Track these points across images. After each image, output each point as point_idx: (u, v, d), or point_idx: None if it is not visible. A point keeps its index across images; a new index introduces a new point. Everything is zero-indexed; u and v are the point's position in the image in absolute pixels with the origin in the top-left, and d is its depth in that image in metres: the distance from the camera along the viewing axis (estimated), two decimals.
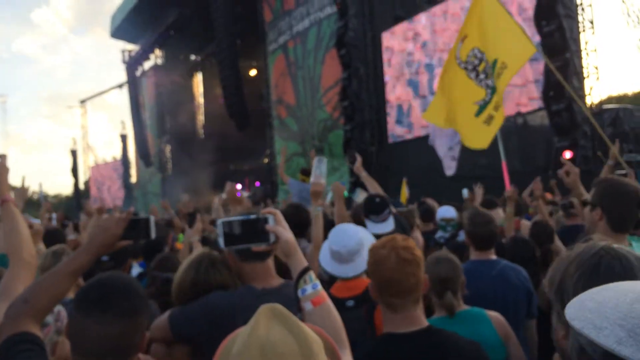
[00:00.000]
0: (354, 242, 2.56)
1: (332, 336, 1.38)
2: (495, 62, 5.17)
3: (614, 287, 0.85)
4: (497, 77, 5.18)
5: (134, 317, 1.45)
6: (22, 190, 2.93)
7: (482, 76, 5.46)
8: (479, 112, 5.59)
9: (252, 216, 1.57)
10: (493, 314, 2.35)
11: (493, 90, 5.38)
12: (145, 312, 1.53)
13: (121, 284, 1.50)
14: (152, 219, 1.78)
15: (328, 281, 2.78)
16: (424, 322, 1.84)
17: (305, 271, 1.49)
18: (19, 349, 1.44)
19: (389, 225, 3.46)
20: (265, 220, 1.54)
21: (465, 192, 7.02)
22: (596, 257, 1.12)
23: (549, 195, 7.16)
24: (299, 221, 3.40)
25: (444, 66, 6.02)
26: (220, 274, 2.12)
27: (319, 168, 3.36)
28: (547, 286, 1.20)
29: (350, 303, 2.44)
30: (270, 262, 1.91)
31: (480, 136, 5.67)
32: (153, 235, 1.76)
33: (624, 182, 2.39)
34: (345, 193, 5.20)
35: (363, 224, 3.41)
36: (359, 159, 4.42)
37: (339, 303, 2.45)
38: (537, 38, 11.11)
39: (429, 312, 2.27)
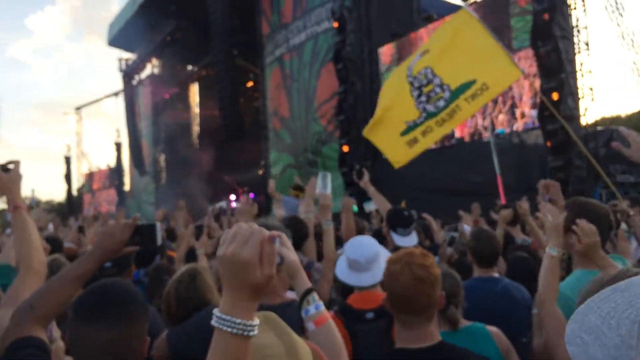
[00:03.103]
0: (372, 251, 2.60)
1: (333, 355, 1.41)
2: (471, 83, 5.18)
3: (628, 287, 0.65)
4: (472, 98, 5.20)
5: (132, 323, 1.46)
6: (40, 212, 2.92)
7: (422, 98, 5.46)
8: (405, 132, 5.59)
9: None
10: (493, 329, 2.34)
11: (429, 115, 5.40)
12: (144, 318, 1.53)
13: (119, 290, 1.50)
14: (158, 225, 1.78)
15: (343, 293, 2.79)
16: (437, 337, 1.81)
17: (308, 292, 1.53)
18: (23, 354, 1.44)
19: (413, 239, 3.54)
20: None
21: None
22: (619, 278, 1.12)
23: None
24: (297, 234, 3.42)
25: (393, 72, 6.00)
26: (201, 289, 2.21)
27: (323, 182, 3.41)
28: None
29: (370, 315, 2.45)
30: (275, 281, 1.90)
31: (398, 154, 5.70)
32: (159, 242, 1.77)
33: (595, 204, 2.43)
34: (355, 208, 5.24)
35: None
36: (366, 174, 4.44)
37: (358, 315, 2.47)
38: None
39: None
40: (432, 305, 1.78)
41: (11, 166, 2.09)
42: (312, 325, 1.48)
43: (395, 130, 5.62)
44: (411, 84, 5.53)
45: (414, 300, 1.75)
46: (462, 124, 12.30)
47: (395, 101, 5.70)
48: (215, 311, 0.97)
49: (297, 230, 3.25)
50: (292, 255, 1.57)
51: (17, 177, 2.09)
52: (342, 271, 2.67)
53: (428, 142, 5.49)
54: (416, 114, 5.47)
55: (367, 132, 6.14)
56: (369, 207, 6.30)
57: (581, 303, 1.09)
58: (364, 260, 2.56)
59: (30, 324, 1.51)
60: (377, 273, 2.55)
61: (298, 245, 3.40)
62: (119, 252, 1.69)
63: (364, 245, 2.66)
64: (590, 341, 0.59)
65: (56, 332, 2.14)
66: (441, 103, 5.31)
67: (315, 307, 1.50)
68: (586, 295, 1.18)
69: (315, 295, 1.53)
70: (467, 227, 4.93)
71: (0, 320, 1.73)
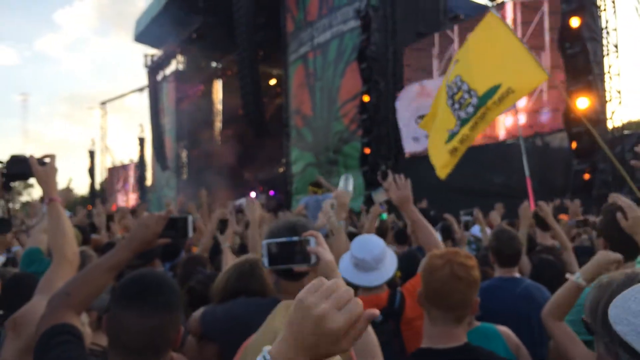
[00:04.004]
0: (379, 250, 2.55)
1: (366, 353, 1.42)
2: (496, 87, 5.21)
3: None
4: (499, 101, 5.22)
5: (170, 312, 1.50)
6: (66, 191, 2.99)
7: (456, 106, 5.55)
8: (448, 140, 5.72)
9: (295, 238, 1.63)
10: (502, 329, 2.33)
11: (463, 122, 5.48)
12: (180, 308, 1.58)
13: (159, 279, 1.55)
14: (190, 218, 1.82)
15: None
16: (463, 339, 1.82)
17: None
18: (58, 340, 1.48)
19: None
20: (307, 242, 1.60)
21: None
22: (628, 278, 1.13)
23: (563, 217, 7.13)
24: None
25: (439, 89, 6.11)
26: (256, 281, 2.22)
27: (345, 183, 3.44)
28: (587, 314, 1.20)
29: (379, 318, 2.43)
30: (306, 281, 1.88)
31: (443, 164, 5.78)
32: (190, 234, 1.81)
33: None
34: (384, 215, 5.27)
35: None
36: (390, 176, 4.50)
37: None
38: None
39: None
40: (465, 305, 1.80)
41: (47, 160, 2.16)
42: None
43: (441, 139, 5.75)
44: (447, 93, 5.66)
45: (449, 296, 1.77)
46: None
47: (439, 111, 5.86)
48: (266, 350, 0.86)
49: None
50: (328, 255, 1.59)
51: (52, 171, 2.16)
52: (347, 271, 2.59)
53: (464, 148, 5.58)
54: (453, 121, 5.58)
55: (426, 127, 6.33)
56: (378, 197, 6.32)
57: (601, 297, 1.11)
58: (372, 259, 2.51)
59: (66, 310, 1.56)
60: (384, 272, 2.53)
61: None
62: (153, 243, 1.73)
63: (370, 243, 2.60)
64: (639, 322, 0.71)
65: (85, 318, 2.21)
66: (470, 109, 5.37)
67: None
68: (598, 297, 1.20)
69: None
70: (476, 228, 4.88)
71: (34, 307, 1.79)
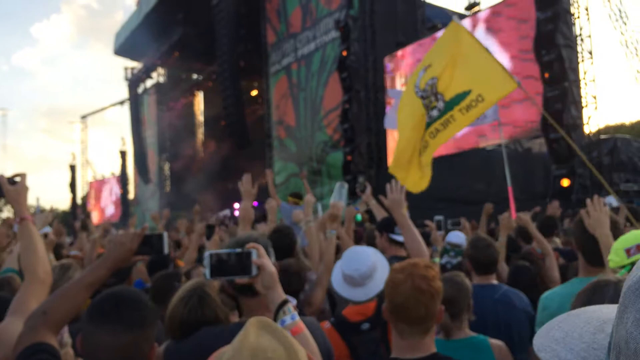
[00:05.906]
0: (367, 266, 2.56)
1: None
2: (466, 93, 5.09)
3: (581, 313, 0.80)
4: (468, 109, 5.10)
5: (144, 328, 1.53)
6: (46, 215, 2.97)
7: (430, 112, 5.34)
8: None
9: (237, 250, 1.65)
10: (496, 344, 2.33)
11: (426, 126, 5.28)
12: (154, 324, 1.60)
13: (131, 296, 1.57)
14: (165, 234, 1.83)
15: (331, 302, 2.81)
16: (431, 349, 1.82)
17: (284, 303, 1.59)
18: (35, 359, 1.48)
19: None
20: (250, 254, 1.62)
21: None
22: (593, 286, 1.17)
23: None
24: (282, 245, 3.38)
25: (402, 98, 5.73)
26: (209, 310, 2.16)
27: (340, 193, 3.43)
28: None
29: (366, 326, 2.45)
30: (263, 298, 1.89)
31: (419, 178, 5.54)
32: (166, 250, 1.82)
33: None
34: (358, 217, 5.31)
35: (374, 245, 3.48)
36: (368, 188, 4.61)
37: (354, 327, 2.47)
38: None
39: None
40: (429, 317, 1.79)
41: (18, 179, 2.16)
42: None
43: (417, 152, 5.48)
44: (422, 97, 5.41)
45: (412, 310, 1.76)
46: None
47: (411, 119, 5.54)
48: None
49: (278, 242, 3.21)
50: (270, 266, 1.62)
51: (23, 190, 2.15)
52: (337, 282, 2.66)
53: (426, 158, 5.43)
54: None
55: (392, 168, 5.77)
56: (360, 207, 6.31)
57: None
58: (358, 276, 2.54)
59: (43, 330, 1.56)
60: (370, 289, 2.55)
61: (285, 257, 3.35)
62: (129, 261, 1.74)
63: (359, 259, 2.60)
64: (559, 349, 0.72)
65: (67, 338, 2.19)
66: (435, 112, 5.25)
67: (292, 317, 1.57)
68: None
69: (290, 306, 1.59)
70: (457, 234, 4.90)
71: (6, 328, 1.78)
